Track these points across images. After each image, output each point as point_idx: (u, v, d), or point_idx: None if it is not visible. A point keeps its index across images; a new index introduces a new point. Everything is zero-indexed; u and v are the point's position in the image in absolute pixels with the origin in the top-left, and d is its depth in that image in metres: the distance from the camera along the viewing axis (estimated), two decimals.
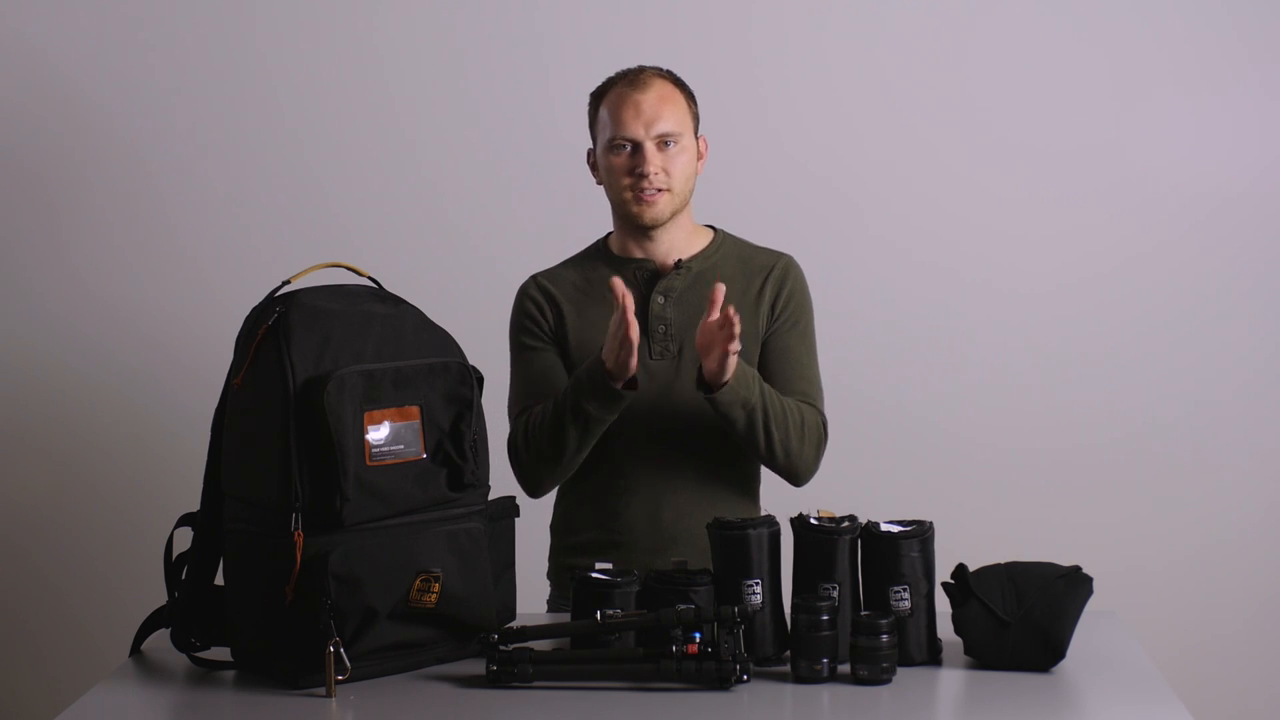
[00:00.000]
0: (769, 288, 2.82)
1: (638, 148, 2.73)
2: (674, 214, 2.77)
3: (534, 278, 2.87)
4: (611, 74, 2.81)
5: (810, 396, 2.80)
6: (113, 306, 3.81)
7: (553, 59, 3.78)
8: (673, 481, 2.76)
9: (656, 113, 2.73)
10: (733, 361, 2.59)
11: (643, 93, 2.74)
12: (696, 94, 2.82)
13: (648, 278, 2.80)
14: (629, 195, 2.75)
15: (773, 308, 2.81)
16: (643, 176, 2.72)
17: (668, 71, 2.80)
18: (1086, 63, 3.76)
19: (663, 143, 2.73)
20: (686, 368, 2.77)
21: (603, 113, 2.77)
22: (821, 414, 2.80)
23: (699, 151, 2.80)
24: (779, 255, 2.86)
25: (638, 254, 2.81)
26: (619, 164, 2.74)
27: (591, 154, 2.82)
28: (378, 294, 2.48)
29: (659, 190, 2.73)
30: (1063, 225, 3.78)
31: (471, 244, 3.80)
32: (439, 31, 3.78)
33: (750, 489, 2.84)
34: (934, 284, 3.79)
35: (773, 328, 2.81)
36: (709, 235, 2.86)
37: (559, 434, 2.69)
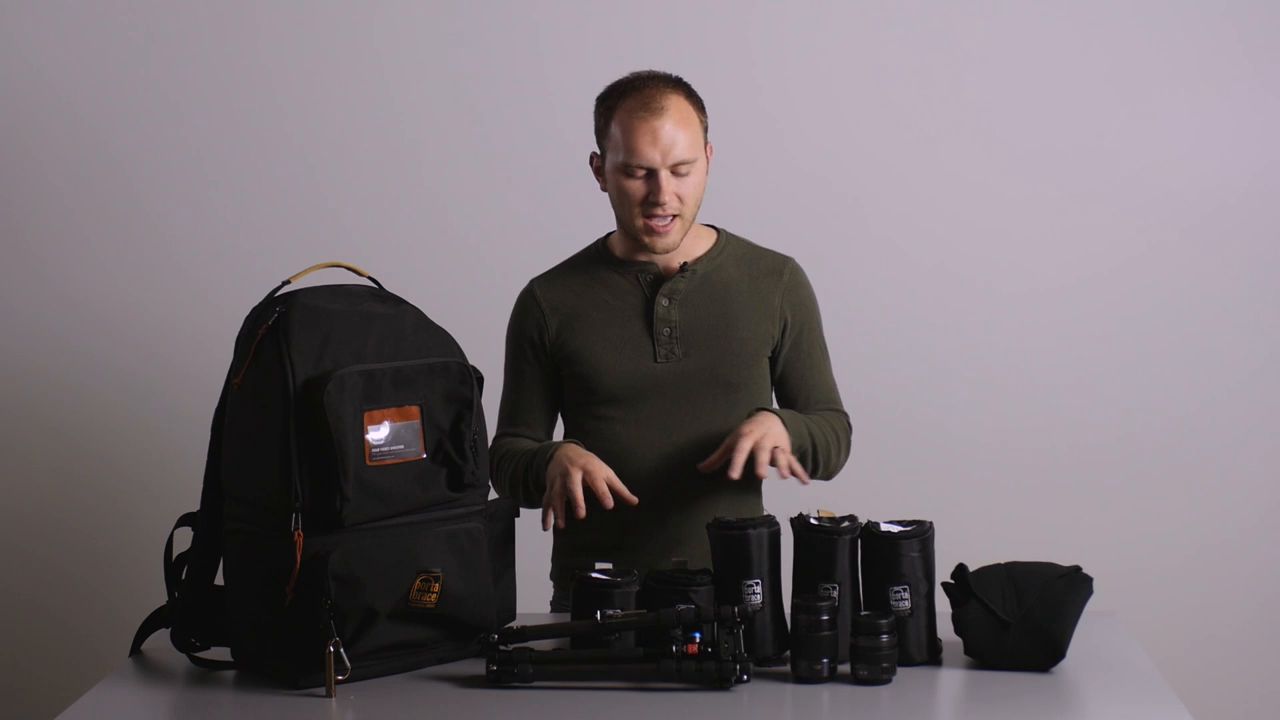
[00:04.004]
0: (777, 295, 2.81)
1: (653, 174, 2.69)
2: (683, 236, 2.75)
3: (533, 287, 2.85)
4: (618, 76, 2.76)
5: (833, 401, 2.84)
6: (114, 308, 3.81)
7: (553, 59, 3.77)
8: (676, 483, 2.75)
9: (674, 139, 2.68)
10: (778, 435, 2.61)
11: (659, 118, 2.68)
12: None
13: (651, 281, 2.80)
14: (640, 223, 2.72)
15: (785, 317, 2.80)
16: (657, 204, 2.70)
17: (680, 83, 2.74)
18: (1086, 63, 3.76)
19: (678, 167, 2.70)
20: (691, 371, 2.76)
21: (614, 130, 2.71)
22: (845, 414, 2.83)
23: (707, 160, 2.78)
24: (784, 259, 2.85)
25: (640, 257, 2.80)
26: (632, 189, 2.71)
27: (596, 158, 2.78)
28: (378, 294, 2.48)
29: (672, 218, 2.71)
30: (1063, 225, 3.78)
31: (471, 244, 3.80)
32: (439, 31, 3.78)
33: (754, 490, 2.83)
34: (934, 284, 3.79)
35: (789, 339, 2.81)
36: (712, 236, 2.85)
37: (515, 483, 2.74)
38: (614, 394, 2.77)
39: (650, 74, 2.75)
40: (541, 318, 2.81)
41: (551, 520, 2.60)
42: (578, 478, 2.59)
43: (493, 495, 2.52)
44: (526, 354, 2.82)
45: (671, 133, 2.68)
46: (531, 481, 2.71)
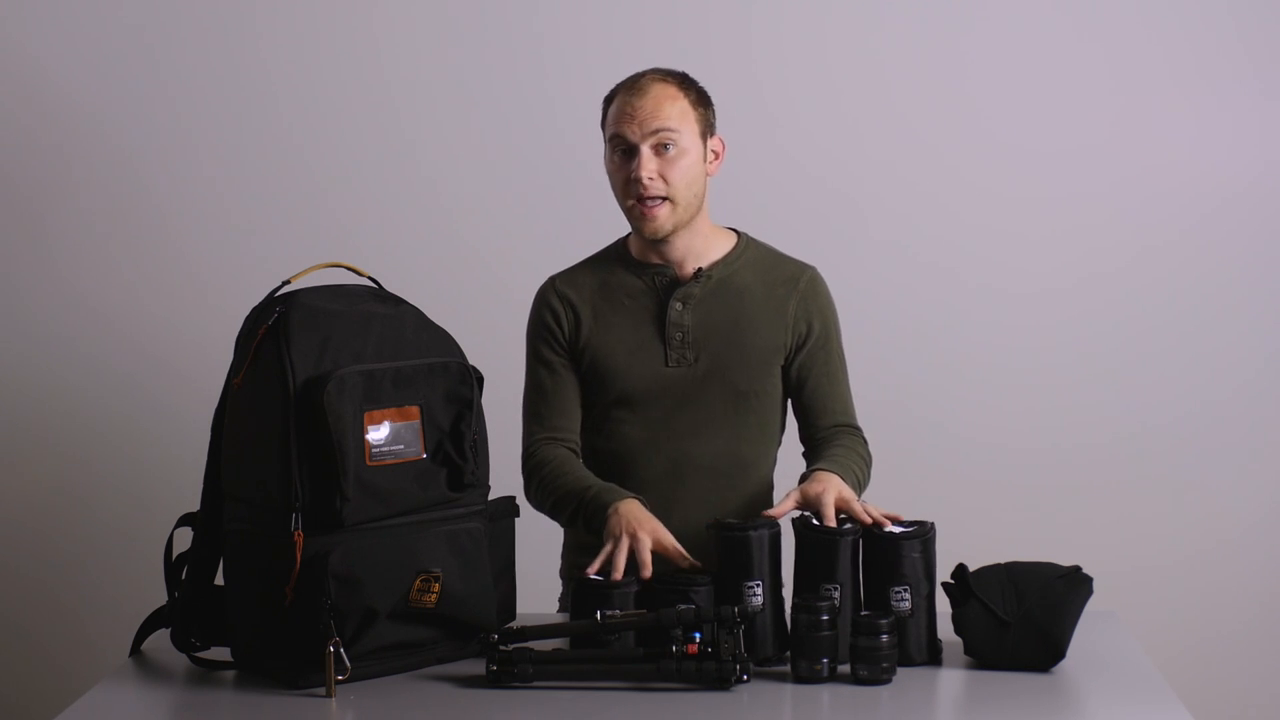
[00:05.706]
0: (794, 303, 2.78)
1: (632, 150, 2.68)
2: (677, 225, 2.71)
3: (553, 282, 2.82)
4: (617, 76, 2.75)
5: (849, 416, 2.81)
6: (114, 307, 3.81)
7: (553, 59, 3.77)
8: (684, 487, 2.74)
9: (652, 115, 2.66)
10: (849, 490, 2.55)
11: (640, 97, 2.68)
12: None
13: (666, 284, 2.77)
14: (629, 204, 2.70)
15: (799, 327, 2.78)
16: (637, 181, 2.66)
17: (676, 73, 2.73)
18: (1086, 62, 3.76)
19: (660, 147, 2.66)
20: (702, 376, 2.75)
21: (608, 117, 2.72)
22: (861, 432, 2.81)
23: (713, 153, 2.75)
24: (803, 268, 2.82)
25: (655, 259, 2.77)
26: (616, 169, 2.70)
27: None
28: (378, 294, 2.48)
29: (660, 200, 2.68)
30: (1063, 225, 3.78)
31: (471, 244, 3.80)
32: (439, 31, 3.78)
33: (761, 496, 2.81)
34: (934, 284, 3.79)
35: (805, 351, 2.78)
36: (731, 240, 2.81)
37: (558, 510, 2.70)
38: (625, 396, 2.76)
39: (652, 69, 2.75)
40: (562, 312, 2.79)
41: (599, 567, 2.51)
42: (647, 543, 2.51)
43: (494, 495, 2.52)
44: (552, 346, 2.78)
45: (650, 108, 2.67)
46: (582, 520, 2.64)
